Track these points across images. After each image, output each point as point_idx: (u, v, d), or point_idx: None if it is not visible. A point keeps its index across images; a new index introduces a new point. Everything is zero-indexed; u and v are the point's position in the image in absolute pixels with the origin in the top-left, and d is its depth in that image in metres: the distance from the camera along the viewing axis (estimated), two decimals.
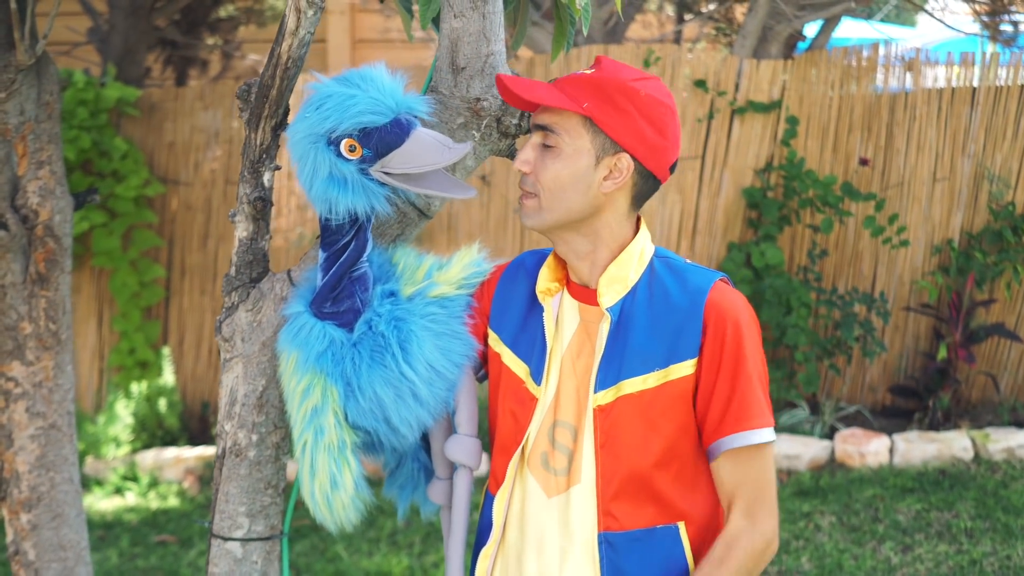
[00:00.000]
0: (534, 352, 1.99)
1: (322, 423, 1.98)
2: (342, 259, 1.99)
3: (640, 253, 1.96)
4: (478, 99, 2.09)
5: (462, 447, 2.07)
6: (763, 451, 1.94)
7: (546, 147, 1.92)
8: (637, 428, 1.91)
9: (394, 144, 1.92)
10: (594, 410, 1.93)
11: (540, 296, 2.00)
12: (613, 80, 1.89)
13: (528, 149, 1.94)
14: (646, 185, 1.95)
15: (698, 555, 1.97)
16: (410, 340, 1.98)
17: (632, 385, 1.91)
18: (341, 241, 1.99)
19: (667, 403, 1.91)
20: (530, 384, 1.99)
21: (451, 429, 2.11)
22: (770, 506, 1.94)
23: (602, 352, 1.93)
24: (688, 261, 2.00)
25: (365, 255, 2.01)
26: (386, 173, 1.93)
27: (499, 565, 2.04)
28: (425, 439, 2.16)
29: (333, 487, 1.99)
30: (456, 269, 2.07)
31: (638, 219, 2.00)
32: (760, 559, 1.93)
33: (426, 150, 1.92)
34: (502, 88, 1.97)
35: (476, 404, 2.09)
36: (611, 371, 1.92)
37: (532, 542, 1.99)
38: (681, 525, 1.96)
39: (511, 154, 2.18)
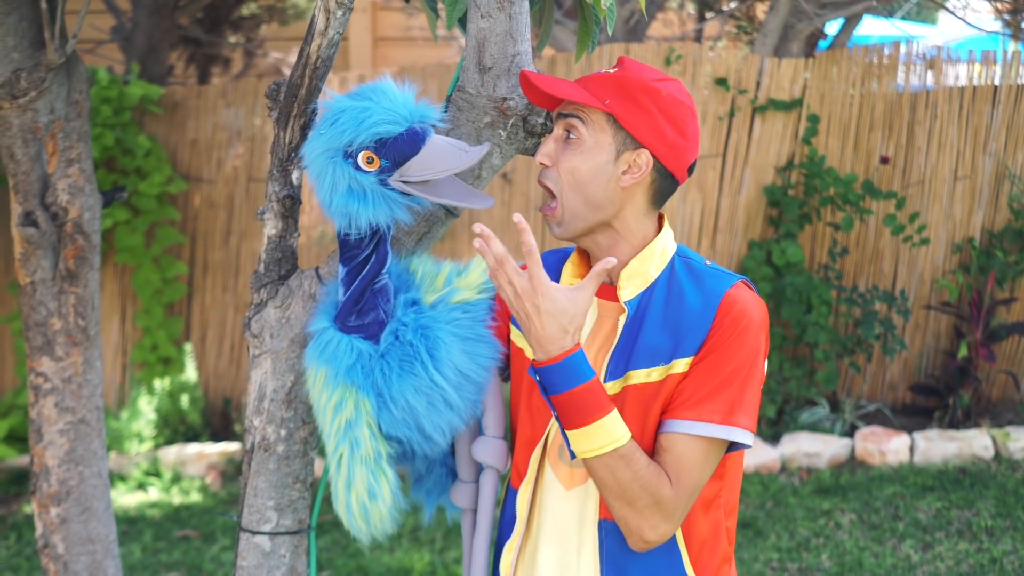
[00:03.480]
0: None
1: (357, 436, 1.99)
2: (363, 273, 2.00)
3: (663, 250, 1.99)
4: (504, 99, 2.11)
5: (489, 449, 2.08)
6: (713, 447, 1.89)
7: (568, 140, 1.95)
8: (636, 420, 1.92)
9: (411, 152, 1.93)
10: None
11: None
12: (635, 79, 1.92)
13: (550, 142, 1.96)
14: (664, 183, 1.97)
15: (690, 545, 1.96)
16: (438, 347, 1.99)
17: (637, 377, 1.92)
18: (361, 255, 2.00)
19: (665, 398, 1.92)
20: None
21: (476, 432, 2.13)
22: (682, 510, 1.88)
23: (615, 344, 1.95)
24: (709, 263, 2.00)
25: (386, 267, 2.02)
26: (405, 182, 1.94)
27: (523, 558, 2.06)
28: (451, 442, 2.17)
29: (371, 498, 1.99)
30: (476, 274, 2.07)
31: (660, 217, 2.03)
32: (646, 507, 1.85)
33: (443, 155, 1.93)
34: (525, 84, 1.98)
35: (503, 406, 2.10)
36: (621, 362, 1.94)
37: (551, 534, 2.01)
38: None
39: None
